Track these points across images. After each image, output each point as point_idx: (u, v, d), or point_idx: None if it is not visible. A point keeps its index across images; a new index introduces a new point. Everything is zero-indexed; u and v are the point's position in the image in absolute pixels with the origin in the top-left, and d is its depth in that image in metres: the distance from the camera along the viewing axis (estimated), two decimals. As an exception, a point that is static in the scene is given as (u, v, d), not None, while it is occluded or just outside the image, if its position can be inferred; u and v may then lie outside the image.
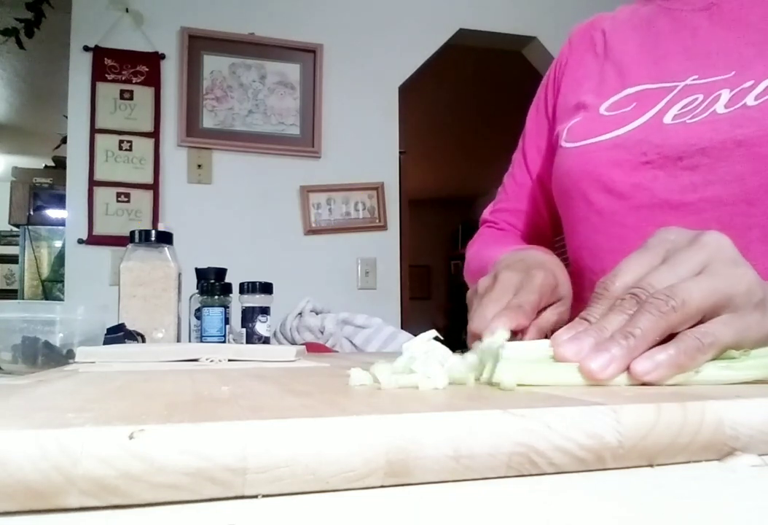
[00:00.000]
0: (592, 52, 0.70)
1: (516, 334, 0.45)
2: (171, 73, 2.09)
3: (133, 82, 2.05)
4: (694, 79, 0.58)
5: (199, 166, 2.10)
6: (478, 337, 0.44)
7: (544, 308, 0.49)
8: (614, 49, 0.67)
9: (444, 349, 0.34)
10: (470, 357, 0.33)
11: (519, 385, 0.28)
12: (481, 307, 0.47)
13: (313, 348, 1.10)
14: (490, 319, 0.44)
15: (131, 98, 2.04)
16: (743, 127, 0.52)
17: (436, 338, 0.34)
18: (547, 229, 0.79)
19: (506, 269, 0.50)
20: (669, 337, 0.30)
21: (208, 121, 2.11)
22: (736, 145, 0.53)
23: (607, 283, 0.34)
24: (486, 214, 0.84)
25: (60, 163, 2.65)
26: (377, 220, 2.24)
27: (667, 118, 0.57)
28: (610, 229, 0.61)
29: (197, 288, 1.03)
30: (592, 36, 0.71)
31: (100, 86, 2.02)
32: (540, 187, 0.76)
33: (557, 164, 0.67)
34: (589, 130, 0.62)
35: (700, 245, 0.34)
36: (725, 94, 0.55)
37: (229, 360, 0.55)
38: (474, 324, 0.46)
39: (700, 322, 0.31)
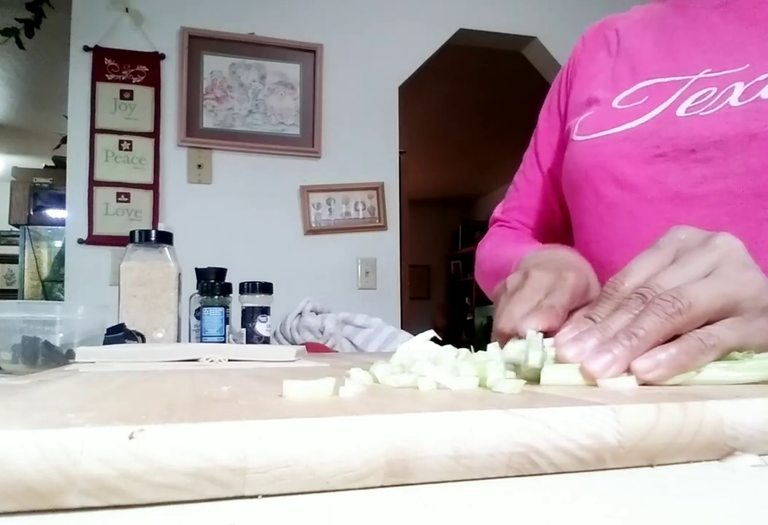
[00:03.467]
0: (606, 50, 0.70)
1: (546, 336, 0.41)
2: (171, 73, 2.09)
3: (133, 82, 2.05)
4: (707, 73, 0.57)
5: (199, 166, 2.10)
6: (504, 336, 0.42)
7: (575, 310, 0.45)
8: (627, 46, 0.67)
9: (439, 350, 0.34)
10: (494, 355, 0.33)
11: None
12: (510, 305, 0.43)
13: (313, 348, 1.11)
14: (519, 318, 0.41)
15: (131, 98, 2.04)
16: (758, 120, 0.52)
17: (434, 339, 0.34)
18: (559, 225, 0.78)
19: (536, 268, 0.47)
20: (672, 338, 0.30)
21: (208, 121, 2.11)
22: (749, 138, 0.52)
23: (615, 283, 0.34)
24: (496, 213, 0.83)
25: (60, 163, 2.65)
26: (377, 220, 2.24)
27: (680, 111, 0.57)
28: (619, 222, 0.61)
29: (197, 288, 1.03)
30: (605, 35, 0.71)
31: (100, 86, 2.02)
32: (552, 183, 0.75)
33: (567, 157, 0.66)
34: (601, 123, 0.62)
35: (711, 247, 0.33)
36: (739, 87, 0.54)
37: (229, 360, 0.55)
38: (501, 323, 0.42)
39: (706, 324, 0.31)
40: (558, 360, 0.31)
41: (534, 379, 0.30)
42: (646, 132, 0.58)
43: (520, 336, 0.40)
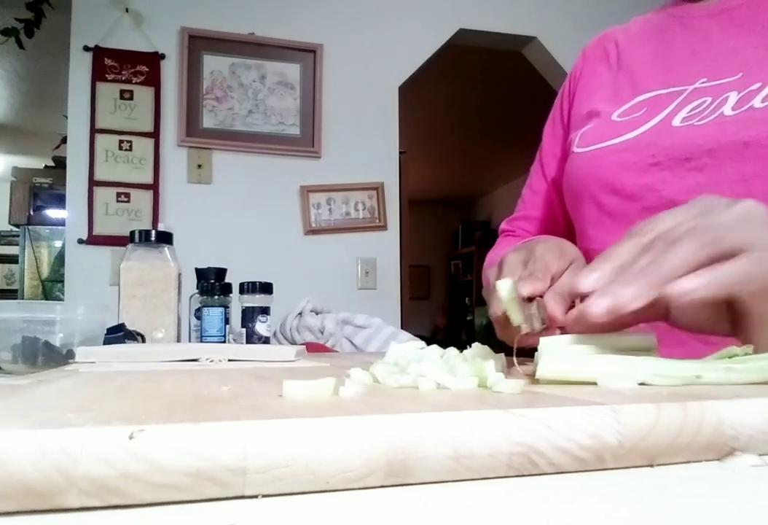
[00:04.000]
0: (606, 63, 0.71)
1: (533, 300, 0.44)
2: (171, 73, 2.09)
3: (133, 82, 2.05)
4: (702, 82, 0.59)
5: (199, 166, 2.10)
6: (500, 320, 0.45)
7: (561, 276, 0.49)
8: (627, 59, 0.69)
9: (424, 350, 0.34)
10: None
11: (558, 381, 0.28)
12: (494, 291, 0.47)
13: (313, 348, 1.11)
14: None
15: (131, 98, 2.04)
16: (750, 128, 0.53)
17: (435, 341, 0.35)
18: (562, 234, 0.79)
19: (509, 254, 0.51)
20: None
21: (208, 121, 2.11)
22: (743, 146, 0.53)
23: (639, 226, 0.36)
24: (504, 224, 0.86)
25: (60, 163, 2.65)
26: (377, 220, 2.24)
27: (676, 121, 0.58)
28: (620, 231, 0.61)
29: (197, 288, 1.03)
30: (605, 47, 0.73)
31: (100, 86, 2.02)
32: (556, 193, 0.77)
33: (568, 169, 0.68)
34: (600, 135, 0.64)
35: (738, 206, 0.35)
36: (733, 97, 0.55)
37: (229, 360, 0.55)
38: (492, 309, 0.46)
39: None
40: (579, 289, 0.31)
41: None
42: (643, 142, 0.59)
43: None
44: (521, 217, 0.83)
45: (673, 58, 0.64)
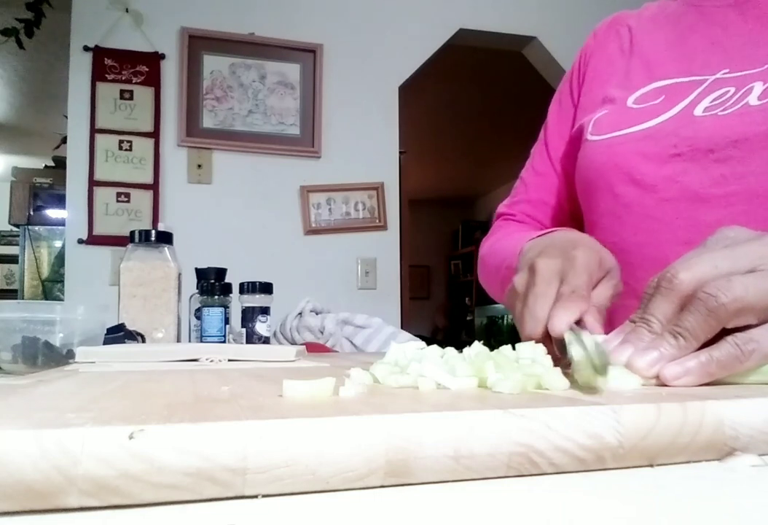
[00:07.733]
0: (618, 47, 0.69)
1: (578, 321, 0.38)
2: (171, 73, 2.09)
3: (133, 82, 2.05)
4: (724, 73, 0.57)
5: (199, 166, 2.10)
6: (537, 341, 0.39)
7: (596, 285, 0.43)
8: (641, 44, 0.66)
9: (424, 350, 0.34)
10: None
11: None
12: (529, 306, 0.40)
13: (313, 348, 1.10)
14: (544, 317, 0.38)
15: (131, 98, 2.04)
16: None
17: (434, 341, 0.35)
18: (568, 222, 0.74)
19: (540, 258, 0.43)
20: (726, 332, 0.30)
21: (208, 121, 2.11)
22: None
23: (650, 283, 0.34)
24: (501, 207, 0.79)
25: (60, 163, 2.64)
26: (377, 220, 2.24)
27: (698, 111, 0.56)
28: (637, 222, 0.60)
29: (197, 288, 1.03)
30: (618, 31, 0.70)
31: (100, 86, 2.02)
32: (564, 175, 0.73)
33: (582, 157, 0.65)
34: (617, 122, 0.61)
35: (764, 241, 0.32)
36: (758, 87, 0.54)
37: (229, 360, 0.55)
38: (528, 328, 0.40)
39: (747, 327, 0.30)
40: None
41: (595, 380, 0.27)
42: (664, 131, 0.57)
43: (553, 337, 0.37)
44: (524, 201, 0.76)
45: (691, 46, 0.62)
